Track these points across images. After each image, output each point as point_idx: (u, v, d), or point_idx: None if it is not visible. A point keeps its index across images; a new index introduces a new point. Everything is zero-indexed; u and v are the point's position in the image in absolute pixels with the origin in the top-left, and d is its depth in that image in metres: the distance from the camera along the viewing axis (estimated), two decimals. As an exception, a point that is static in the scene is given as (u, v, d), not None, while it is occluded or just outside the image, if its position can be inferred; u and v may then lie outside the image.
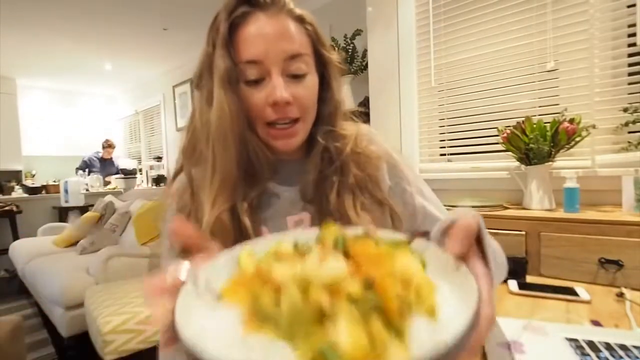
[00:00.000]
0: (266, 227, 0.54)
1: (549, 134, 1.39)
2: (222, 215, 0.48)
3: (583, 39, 1.51)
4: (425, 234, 0.37)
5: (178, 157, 0.56)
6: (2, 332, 1.11)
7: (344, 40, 2.43)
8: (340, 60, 0.56)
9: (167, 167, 4.89)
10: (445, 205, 1.62)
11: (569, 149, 1.43)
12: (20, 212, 3.69)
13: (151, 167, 4.87)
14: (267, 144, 0.52)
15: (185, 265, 0.30)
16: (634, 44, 1.38)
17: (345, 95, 0.61)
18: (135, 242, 2.43)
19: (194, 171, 0.52)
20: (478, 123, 1.82)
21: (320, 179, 0.55)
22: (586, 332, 0.51)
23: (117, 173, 4.97)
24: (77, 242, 2.66)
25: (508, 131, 1.49)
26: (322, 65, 0.55)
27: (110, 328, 1.41)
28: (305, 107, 0.51)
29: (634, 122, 1.37)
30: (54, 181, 4.40)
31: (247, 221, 0.49)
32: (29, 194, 4.06)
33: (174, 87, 4.77)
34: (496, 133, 1.60)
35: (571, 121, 1.37)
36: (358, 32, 2.37)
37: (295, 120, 0.51)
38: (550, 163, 1.44)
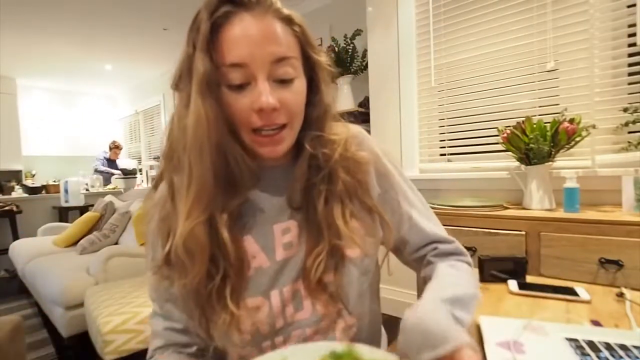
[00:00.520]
0: (251, 236, 0.53)
1: (549, 134, 1.39)
2: (197, 228, 0.45)
3: (583, 39, 1.51)
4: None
5: (160, 162, 0.53)
6: (2, 332, 1.11)
7: (344, 40, 2.43)
8: (329, 62, 0.54)
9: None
10: (445, 205, 1.61)
11: (569, 149, 1.43)
12: (20, 212, 3.69)
13: (151, 167, 4.87)
14: (253, 150, 0.50)
15: None
16: (634, 44, 1.38)
17: (335, 97, 0.59)
18: (135, 242, 2.43)
19: (176, 179, 0.49)
20: (478, 123, 1.82)
21: (307, 186, 0.53)
22: (586, 332, 0.51)
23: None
24: (77, 242, 2.66)
25: (508, 131, 1.49)
26: (310, 68, 0.52)
27: (110, 328, 1.41)
28: (292, 113, 0.49)
29: (634, 122, 1.37)
30: (54, 181, 4.40)
31: (225, 233, 0.47)
32: (29, 194, 4.05)
33: (174, 87, 4.77)
34: (496, 133, 1.60)
35: (571, 121, 1.37)
36: (358, 32, 2.37)
37: (282, 126, 0.48)
38: (550, 163, 1.44)
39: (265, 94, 0.45)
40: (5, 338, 1.12)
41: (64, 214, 3.99)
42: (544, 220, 1.28)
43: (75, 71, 4.81)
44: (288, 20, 0.48)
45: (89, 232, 2.85)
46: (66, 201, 3.94)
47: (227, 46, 0.45)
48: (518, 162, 1.55)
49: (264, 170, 0.54)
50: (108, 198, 3.25)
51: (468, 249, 1.41)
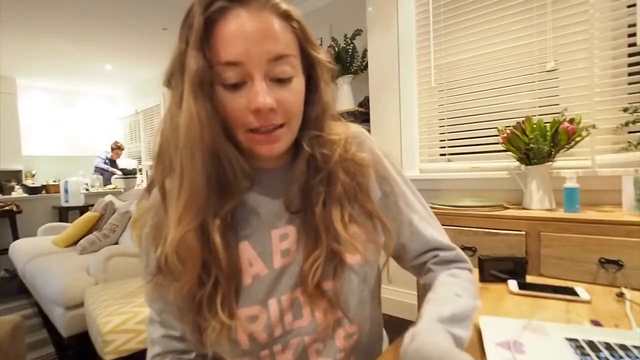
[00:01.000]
0: (248, 242, 0.51)
1: (549, 134, 1.39)
2: (188, 235, 0.44)
3: (583, 39, 1.51)
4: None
5: (152, 164, 0.51)
6: (2, 332, 1.11)
7: (344, 40, 2.43)
8: (329, 59, 0.52)
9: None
10: (445, 205, 1.62)
11: (569, 149, 1.43)
12: (20, 212, 3.69)
13: (151, 167, 4.87)
14: (249, 150, 0.48)
15: None
16: (634, 44, 1.38)
17: (336, 96, 0.57)
18: (135, 242, 2.43)
19: (167, 182, 0.47)
20: (478, 123, 1.82)
21: (306, 188, 0.51)
22: (586, 332, 0.51)
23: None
24: (77, 242, 2.66)
25: (508, 131, 1.49)
26: (309, 66, 0.50)
27: (110, 328, 1.41)
28: (290, 113, 0.47)
29: (634, 122, 1.37)
30: (54, 181, 4.40)
31: (217, 239, 0.45)
32: (29, 194, 4.05)
33: (174, 87, 4.77)
34: (496, 133, 1.60)
35: (571, 121, 1.37)
36: (358, 32, 2.37)
37: (280, 125, 0.46)
38: (550, 163, 1.44)
39: (262, 94, 0.43)
40: (5, 338, 1.12)
41: (64, 214, 3.99)
42: (544, 220, 1.28)
43: (75, 71, 4.81)
44: (286, 16, 0.46)
45: (89, 232, 2.85)
46: (66, 201, 3.93)
47: (222, 43, 0.43)
48: (518, 162, 1.55)
49: (261, 173, 0.52)
50: (108, 198, 3.25)
51: (468, 249, 1.42)
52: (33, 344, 2.04)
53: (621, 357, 0.44)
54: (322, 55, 0.51)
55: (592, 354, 0.45)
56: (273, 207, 0.52)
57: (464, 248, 1.43)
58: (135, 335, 1.44)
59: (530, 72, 1.66)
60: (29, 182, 4.49)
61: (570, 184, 1.32)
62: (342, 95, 2.46)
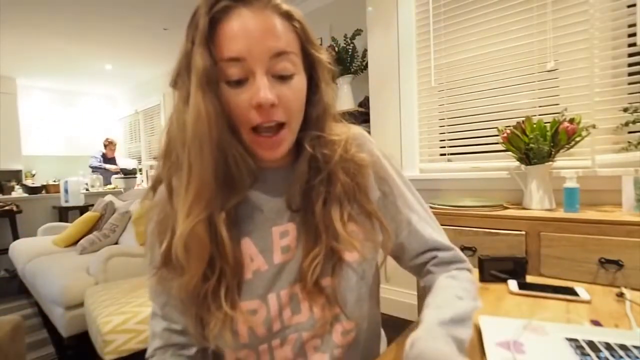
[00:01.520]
0: (250, 238, 0.52)
1: (549, 134, 1.39)
2: (198, 227, 0.45)
3: (583, 39, 1.51)
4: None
5: (157, 163, 0.52)
6: (2, 332, 1.11)
7: (344, 40, 2.43)
8: (330, 60, 0.53)
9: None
10: (445, 205, 1.62)
11: (569, 149, 1.43)
12: (20, 211, 3.69)
13: (151, 167, 4.87)
14: (252, 151, 0.49)
15: None
16: (634, 44, 1.38)
17: (336, 96, 0.58)
18: (135, 242, 2.43)
19: (174, 178, 0.48)
20: (478, 123, 1.82)
21: (307, 188, 0.52)
22: (586, 332, 0.51)
23: (119, 172, 4.98)
24: (77, 241, 2.66)
25: (508, 131, 1.49)
26: (310, 66, 0.51)
27: (110, 328, 1.41)
28: (291, 110, 0.48)
29: (634, 122, 1.37)
30: (54, 181, 4.40)
31: (224, 232, 0.47)
32: (29, 194, 4.05)
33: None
34: (496, 133, 1.60)
35: (571, 121, 1.37)
36: (358, 32, 2.38)
37: (281, 126, 0.47)
38: (550, 163, 1.44)
39: (263, 89, 0.44)
40: (5, 338, 1.12)
41: (64, 214, 3.99)
42: (544, 220, 1.28)
43: (75, 71, 4.81)
44: (287, 16, 0.47)
45: (89, 232, 2.85)
46: (66, 201, 3.93)
47: (226, 41, 0.44)
48: (518, 162, 1.55)
49: (263, 172, 0.53)
50: (108, 198, 3.25)
51: (468, 249, 1.42)
52: (33, 344, 2.04)
53: (621, 357, 0.44)
54: (323, 56, 0.52)
55: (592, 354, 0.45)
56: (274, 205, 0.54)
57: (464, 248, 1.43)
58: (136, 335, 1.44)
59: (530, 72, 1.66)
60: (29, 182, 4.49)
61: (570, 184, 1.32)
62: (342, 95, 2.46)
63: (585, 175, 1.45)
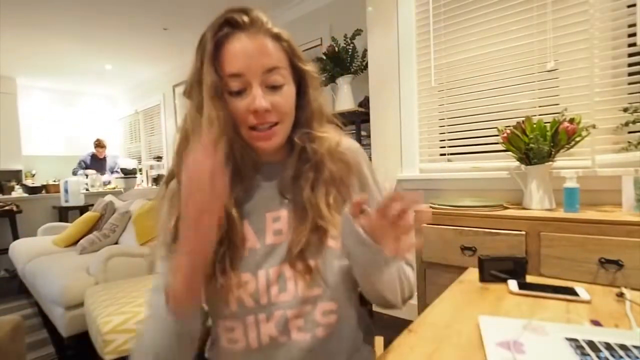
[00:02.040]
0: (247, 221, 0.61)
1: (549, 134, 1.39)
2: None
3: (583, 39, 1.51)
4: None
5: (174, 158, 0.61)
6: (2, 332, 1.11)
7: (344, 40, 2.43)
8: (316, 70, 0.63)
9: (167, 167, 4.89)
10: (445, 205, 1.61)
11: (569, 149, 1.43)
12: (20, 211, 3.69)
13: (151, 167, 4.88)
14: (251, 144, 0.59)
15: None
16: (634, 44, 1.38)
17: (325, 100, 0.67)
18: (135, 242, 2.43)
19: None
20: (478, 123, 1.82)
21: (296, 175, 0.62)
22: (586, 332, 0.51)
23: (113, 172, 4.96)
24: (77, 241, 2.66)
25: (508, 131, 1.49)
26: (298, 76, 0.61)
27: (110, 328, 1.41)
28: (282, 114, 0.58)
29: (634, 122, 1.37)
30: (54, 181, 4.40)
31: (234, 212, 0.58)
32: (29, 194, 4.05)
33: (174, 87, 4.78)
34: (496, 133, 1.60)
35: (571, 121, 1.37)
36: (358, 32, 2.38)
37: (275, 124, 0.57)
38: (550, 163, 1.44)
39: (258, 98, 0.54)
40: (5, 338, 1.12)
41: (64, 214, 3.99)
42: (544, 220, 1.29)
43: (75, 71, 4.81)
44: (277, 37, 0.58)
45: (89, 232, 2.86)
46: (66, 201, 3.94)
47: (228, 60, 0.55)
48: (518, 162, 1.55)
49: (262, 166, 0.64)
50: (108, 198, 3.26)
51: (468, 249, 1.42)
52: (33, 344, 2.04)
53: (621, 357, 0.44)
54: (309, 67, 0.62)
55: (592, 354, 0.45)
56: (269, 194, 0.63)
57: (464, 248, 1.43)
58: (136, 335, 1.44)
59: (530, 72, 1.66)
60: (29, 182, 4.49)
61: (570, 184, 1.32)
62: (342, 95, 2.46)
63: (585, 175, 1.45)
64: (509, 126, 1.52)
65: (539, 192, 1.44)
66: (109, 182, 4.75)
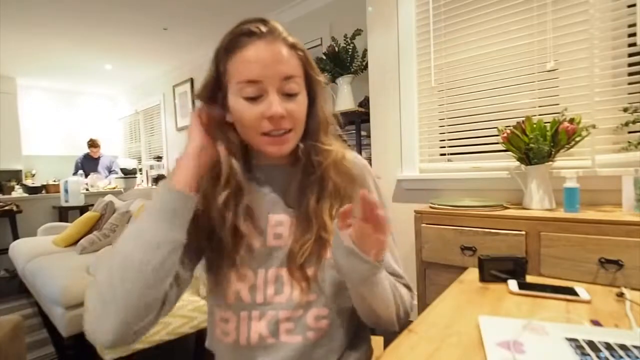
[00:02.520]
0: (251, 222, 0.62)
1: (549, 133, 1.39)
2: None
3: (583, 39, 1.51)
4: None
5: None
6: (2, 332, 1.11)
7: (344, 40, 2.43)
8: (327, 81, 0.65)
9: (167, 166, 4.89)
10: (445, 205, 1.62)
11: (569, 149, 1.43)
12: (20, 211, 3.69)
13: (151, 167, 4.87)
14: (262, 150, 0.60)
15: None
16: (634, 44, 1.38)
17: (332, 113, 0.70)
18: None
19: None
20: (478, 123, 1.82)
21: (301, 187, 0.63)
22: (586, 332, 0.51)
23: (111, 172, 4.95)
24: (77, 241, 2.66)
25: (508, 131, 1.49)
26: (310, 86, 0.62)
27: (110, 328, 1.41)
28: (296, 120, 0.59)
29: (634, 122, 1.37)
30: (54, 181, 4.40)
31: (239, 207, 0.61)
32: (29, 194, 4.05)
33: (174, 86, 4.77)
34: (496, 133, 1.60)
35: (571, 121, 1.37)
36: (358, 32, 2.37)
37: (288, 131, 0.58)
38: (550, 163, 1.44)
39: (275, 105, 0.55)
40: (5, 338, 1.12)
41: (64, 214, 3.99)
42: (544, 220, 1.29)
43: (75, 71, 4.80)
44: (293, 46, 0.59)
45: (89, 231, 2.85)
46: (66, 201, 3.93)
47: (245, 66, 0.56)
48: (518, 162, 1.55)
49: (266, 169, 0.65)
50: (108, 198, 3.25)
51: (468, 249, 1.42)
52: (33, 344, 2.04)
53: (621, 357, 0.44)
54: (322, 78, 0.64)
55: (592, 354, 0.45)
56: (272, 198, 0.64)
57: (464, 248, 1.43)
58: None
59: (530, 72, 1.65)
60: (29, 182, 4.49)
61: (570, 183, 1.32)
62: (342, 95, 2.46)
63: (585, 175, 1.45)
64: (509, 126, 1.52)
65: (539, 192, 1.44)
66: (109, 183, 4.74)
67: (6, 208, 3.57)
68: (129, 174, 4.67)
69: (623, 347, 0.46)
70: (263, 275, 0.61)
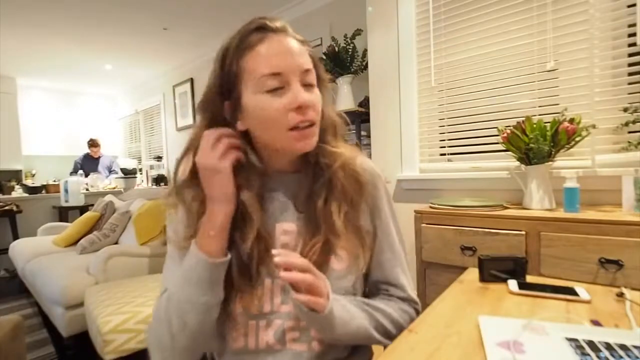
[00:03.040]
0: (258, 230, 0.60)
1: (549, 133, 1.39)
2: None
3: (583, 39, 1.51)
4: None
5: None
6: (2, 332, 1.11)
7: (344, 40, 2.43)
8: (332, 79, 0.64)
9: (167, 166, 4.89)
10: (445, 205, 1.62)
11: (569, 149, 1.43)
12: (20, 211, 3.69)
13: (151, 167, 4.87)
14: (287, 147, 0.58)
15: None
16: (634, 44, 1.38)
17: (338, 114, 0.70)
18: (136, 242, 2.43)
19: None
20: (478, 123, 1.82)
21: (310, 192, 0.62)
22: (586, 332, 0.51)
23: (111, 172, 4.95)
24: (77, 241, 2.66)
25: (508, 131, 1.49)
26: (318, 84, 0.61)
27: (110, 328, 1.41)
28: (319, 111, 0.59)
29: (634, 122, 1.37)
30: (54, 181, 4.40)
31: (254, 212, 0.60)
32: (29, 194, 4.05)
33: (174, 86, 4.77)
34: (496, 133, 1.60)
35: (571, 121, 1.37)
36: (358, 32, 2.37)
37: (312, 124, 0.57)
38: (550, 163, 1.44)
39: (302, 93, 0.55)
40: (5, 338, 1.12)
41: (64, 214, 3.99)
42: (544, 220, 1.28)
43: (75, 71, 4.80)
44: (303, 42, 0.60)
45: (89, 231, 2.86)
46: (66, 201, 3.94)
47: (264, 60, 0.55)
48: (518, 162, 1.55)
49: (275, 175, 0.64)
50: (108, 198, 3.25)
51: (468, 249, 1.42)
52: (33, 344, 2.04)
53: (621, 357, 0.44)
54: (327, 77, 0.64)
55: (592, 354, 0.45)
56: (281, 205, 0.64)
57: (464, 248, 1.43)
58: (135, 334, 1.44)
59: (530, 72, 1.65)
60: (29, 182, 4.49)
61: (570, 183, 1.32)
62: (342, 95, 2.45)
63: (585, 175, 1.45)
64: (509, 126, 1.52)
65: (539, 192, 1.44)
66: (109, 183, 4.75)
67: (6, 208, 3.57)
68: (129, 174, 4.67)
69: (623, 347, 0.46)
70: (270, 283, 0.61)
